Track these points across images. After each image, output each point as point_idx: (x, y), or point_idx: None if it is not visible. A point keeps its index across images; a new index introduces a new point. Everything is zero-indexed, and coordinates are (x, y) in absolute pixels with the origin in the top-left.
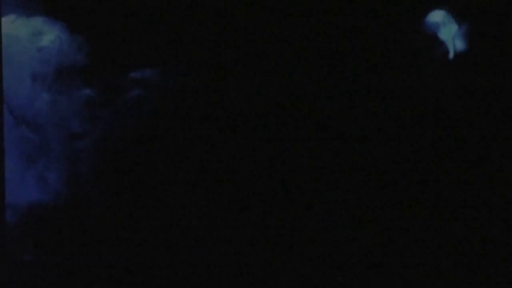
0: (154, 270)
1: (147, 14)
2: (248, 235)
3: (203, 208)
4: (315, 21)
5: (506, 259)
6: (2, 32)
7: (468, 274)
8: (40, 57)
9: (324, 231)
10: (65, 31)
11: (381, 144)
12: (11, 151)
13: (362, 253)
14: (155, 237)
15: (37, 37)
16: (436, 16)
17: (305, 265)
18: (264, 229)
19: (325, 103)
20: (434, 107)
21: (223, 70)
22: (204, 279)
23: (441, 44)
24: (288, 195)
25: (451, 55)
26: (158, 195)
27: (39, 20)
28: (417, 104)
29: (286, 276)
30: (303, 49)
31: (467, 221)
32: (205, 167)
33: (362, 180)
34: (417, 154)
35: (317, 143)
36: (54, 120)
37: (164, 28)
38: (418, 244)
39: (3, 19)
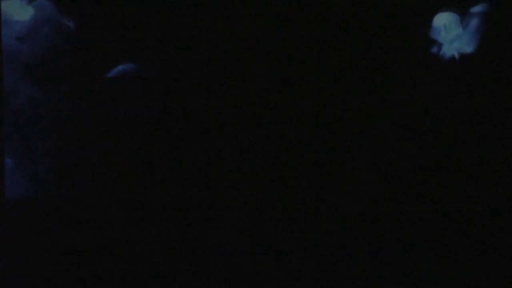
0: (146, 263)
1: (140, 9)
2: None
3: (196, 202)
4: (311, 23)
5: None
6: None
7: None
8: (34, 47)
9: (324, 231)
10: (67, 20)
11: (381, 147)
12: None
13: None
14: (145, 229)
15: (36, 25)
16: (441, 19)
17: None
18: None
19: (323, 105)
20: (437, 110)
21: (212, 66)
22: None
23: (444, 46)
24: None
25: (455, 58)
26: (148, 189)
27: (40, 6)
28: (419, 107)
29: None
30: (303, 50)
31: (467, 222)
32: (191, 159)
33: (364, 182)
34: (416, 157)
35: (316, 143)
36: (39, 113)
37: (155, 23)
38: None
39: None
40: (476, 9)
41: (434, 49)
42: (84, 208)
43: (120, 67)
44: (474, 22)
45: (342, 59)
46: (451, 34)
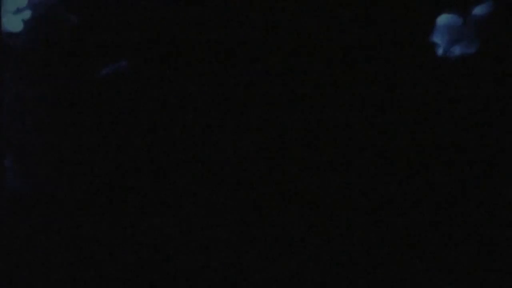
0: (145, 262)
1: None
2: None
3: (195, 202)
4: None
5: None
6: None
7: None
8: (27, 44)
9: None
10: (63, 17)
11: (383, 148)
12: None
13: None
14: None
15: (31, 22)
16: (443, 20)
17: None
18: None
19: (323, 105)
20: (439, 111)
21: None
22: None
23: (446, 48)
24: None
25: (457, 59)
26: (145, 186)
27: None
28: (420, 109)
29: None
30: (303, 51)
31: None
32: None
33: (363, 182)
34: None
35: (314, 144)
36: (36, 112)
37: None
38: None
39: None
40: (479, 10)
41: (436, 51)
42: (83, 207)
43: (114, 65)
44: (476, 24)
45: (343, 61)
46: (453, 35)
